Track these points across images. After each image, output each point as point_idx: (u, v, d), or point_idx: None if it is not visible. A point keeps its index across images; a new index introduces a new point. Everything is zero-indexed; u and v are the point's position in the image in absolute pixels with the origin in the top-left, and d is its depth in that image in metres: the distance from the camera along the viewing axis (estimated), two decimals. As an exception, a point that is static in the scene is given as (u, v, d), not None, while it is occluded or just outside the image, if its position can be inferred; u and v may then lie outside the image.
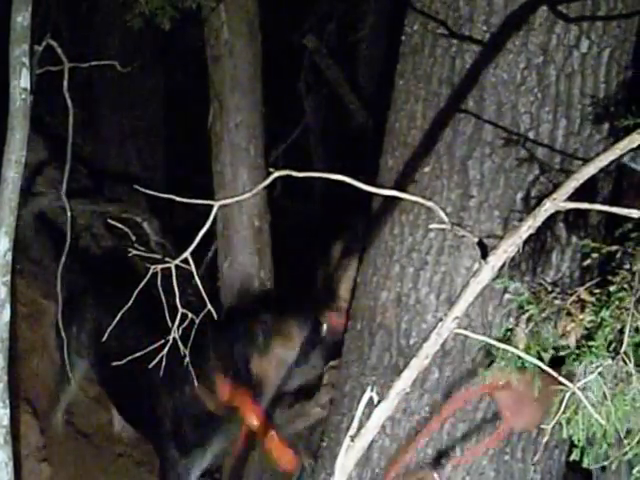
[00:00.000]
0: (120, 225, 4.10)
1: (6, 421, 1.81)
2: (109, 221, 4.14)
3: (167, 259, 1.48)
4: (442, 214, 1.35)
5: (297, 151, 4.82)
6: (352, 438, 1.40)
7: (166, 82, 5.37)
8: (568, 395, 1.41)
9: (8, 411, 1.83)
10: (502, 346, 1.54)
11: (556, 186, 2.38)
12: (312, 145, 5.07)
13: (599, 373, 1.65)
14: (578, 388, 1.41)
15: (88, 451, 3.75)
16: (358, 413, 1.38)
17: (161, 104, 5.37)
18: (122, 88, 5.06)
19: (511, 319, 2.45)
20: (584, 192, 1.43)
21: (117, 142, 5.25)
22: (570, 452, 2.00)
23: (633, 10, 2.35)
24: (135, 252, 1.71)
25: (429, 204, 1.37)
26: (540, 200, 2.40)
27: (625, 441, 1.85)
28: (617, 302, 1.66)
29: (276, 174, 1.39)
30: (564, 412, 1.72)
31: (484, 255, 1.31)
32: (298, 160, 4.77)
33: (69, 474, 3.59)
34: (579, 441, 1.87)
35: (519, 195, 2.42)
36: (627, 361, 1.60)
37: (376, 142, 2.82)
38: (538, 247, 2.42)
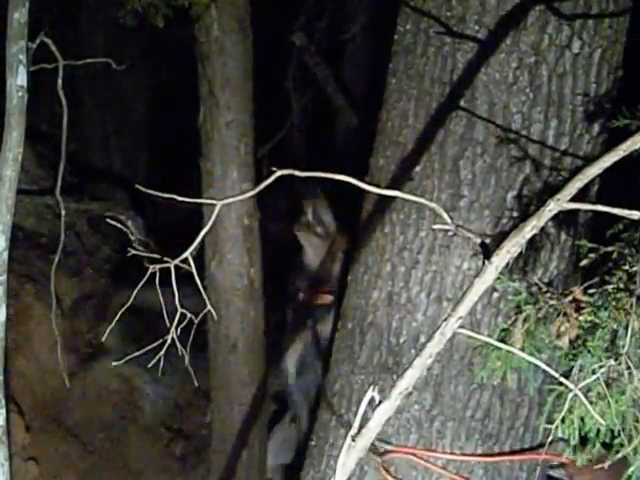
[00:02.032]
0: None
1: (2, 421, 1.78)
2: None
3: (166, 259, 1.46)
4: (445, 215, 1.35)
5: (284, 149, 4.81)
6: (353, 437, 1.40)
7: (151, 80, 5.35)
8: (571, 395, 1.41)
9: (4, 411, 1.81)
10: (505, 347, 1.54)
11: (547, 185, 2.41)
12: (296, 143, 5.07)
13: (595, 373, 1.66)
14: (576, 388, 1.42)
15: (75, 449, 3.74)
16: (360, 412, 1.37)
17: (145, 102, 5.34)
18: (106, 86, 5.03)
19: (500, 318, 2.46)
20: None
21: (101, 140, 5.22)
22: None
23: (624, 10, 2.37)
24: (134, 252, 1.68)
25: (432, 205, 1.37)
26: (531, 199, 2.43)
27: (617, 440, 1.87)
28: (614, 302, 1.67)
29: (279, 173, 1.38)
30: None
31: (487, 255, 1.31)
32: (284, 159, 4.76)
33: (56, 472, 3.58)
34: (573, 440, 1.88)
35: (510, 194, 2.43)
36: (626, 361, 1.61)
37: (362, 141, 2.82)
38: (527, 245, 2.42)
